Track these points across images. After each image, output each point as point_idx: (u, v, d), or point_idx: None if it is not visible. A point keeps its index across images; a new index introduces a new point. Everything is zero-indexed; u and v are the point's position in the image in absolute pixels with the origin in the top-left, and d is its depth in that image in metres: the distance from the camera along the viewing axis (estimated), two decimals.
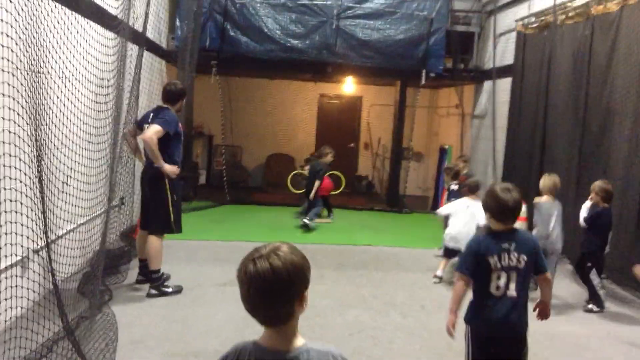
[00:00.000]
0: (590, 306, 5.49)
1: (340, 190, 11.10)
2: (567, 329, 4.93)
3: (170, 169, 5.10)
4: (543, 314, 3.29)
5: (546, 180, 5.76)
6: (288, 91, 13.43)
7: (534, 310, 3.27)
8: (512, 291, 2.95)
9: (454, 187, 7.55)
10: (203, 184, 12.85)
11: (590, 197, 5.62)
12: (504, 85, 9.71)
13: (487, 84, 10.55)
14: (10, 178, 3.70)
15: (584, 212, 5.66)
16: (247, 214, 10.20)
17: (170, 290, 5.27)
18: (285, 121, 13.57)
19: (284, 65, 10.46)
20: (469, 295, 3.09)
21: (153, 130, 4.93)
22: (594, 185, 5.56)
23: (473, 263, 3.01)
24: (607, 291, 5.76)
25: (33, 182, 3.76)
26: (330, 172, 10.96)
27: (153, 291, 5.20)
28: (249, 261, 1.50)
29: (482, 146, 10.65)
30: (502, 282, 2.95)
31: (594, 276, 5.45)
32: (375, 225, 9.26)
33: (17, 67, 3.69)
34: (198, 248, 7.29)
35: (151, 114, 5.24)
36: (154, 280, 5.22)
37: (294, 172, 11.51)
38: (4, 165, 3.64)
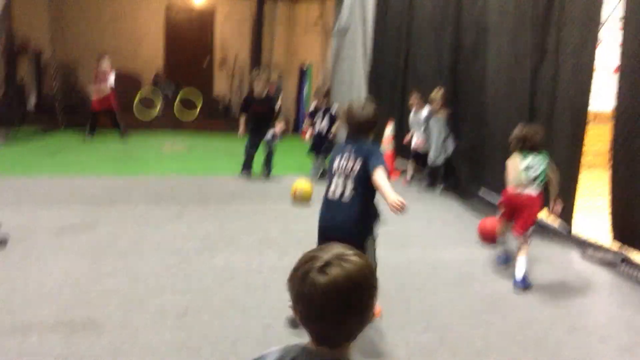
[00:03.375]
0: None
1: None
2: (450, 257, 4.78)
3: None
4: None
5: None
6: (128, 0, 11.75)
7: None
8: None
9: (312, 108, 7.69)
10: (31, 111, 11.18)
11: None
12: None
13: None
14: None
15: None
16: (88, 143, 8.91)
17: None
18: (128, 35, 11.94)
19: None
20: None
21: None
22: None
23: None
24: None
25: None
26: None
27: None
28: (313, 270, 1.16)
29: (344, 65, 10.19)
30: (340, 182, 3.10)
31: None
32: (236, 152, 8.30)
33: None
34: (29, 186, 6.09)
35: None
36: None
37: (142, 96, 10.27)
38: None
